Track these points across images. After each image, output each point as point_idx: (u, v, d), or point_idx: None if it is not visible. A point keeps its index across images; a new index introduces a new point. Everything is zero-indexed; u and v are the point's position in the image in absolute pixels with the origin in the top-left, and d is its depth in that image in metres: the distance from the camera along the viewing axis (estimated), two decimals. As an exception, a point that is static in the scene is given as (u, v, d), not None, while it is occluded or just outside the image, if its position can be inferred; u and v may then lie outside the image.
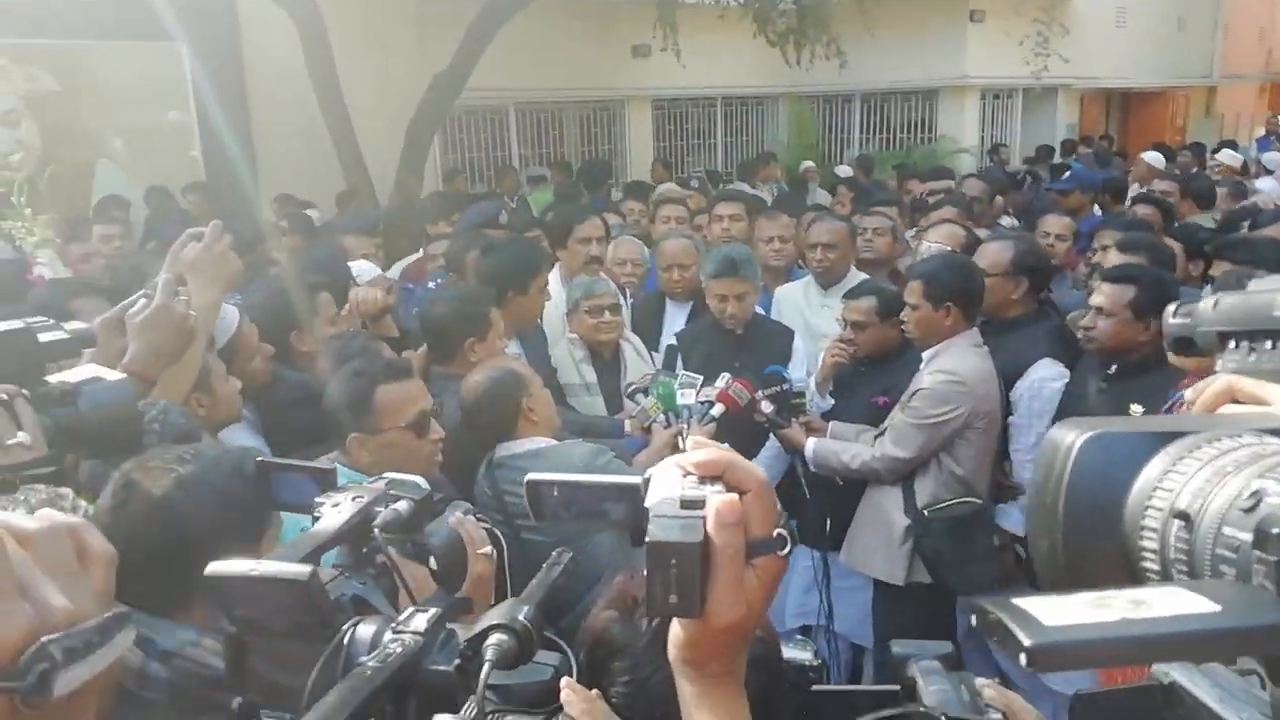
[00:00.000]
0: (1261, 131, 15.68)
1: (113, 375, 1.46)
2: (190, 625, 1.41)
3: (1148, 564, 0.55)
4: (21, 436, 1.33)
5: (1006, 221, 6.09)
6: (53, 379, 1.44)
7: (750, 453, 3.49)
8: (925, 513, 3.15)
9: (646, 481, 0.81)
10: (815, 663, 1.34)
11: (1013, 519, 3.42)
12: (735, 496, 0.74)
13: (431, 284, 4.58)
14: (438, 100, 8.26)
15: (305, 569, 0.86)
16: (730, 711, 0.79)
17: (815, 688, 1.27)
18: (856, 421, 3.51)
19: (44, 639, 0.56)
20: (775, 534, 0.76)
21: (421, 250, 5.26)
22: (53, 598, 0.58)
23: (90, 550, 0.64)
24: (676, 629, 0.78)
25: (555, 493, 0.84)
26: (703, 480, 0.76)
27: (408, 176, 8.16)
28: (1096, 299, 3.16)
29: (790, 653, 1.32)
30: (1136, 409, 3.08)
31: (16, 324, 1.51)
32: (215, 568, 0.86)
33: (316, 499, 1.30)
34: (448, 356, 3.00)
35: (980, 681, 1.21)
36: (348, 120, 8.05)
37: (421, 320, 3.13)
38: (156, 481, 1.43)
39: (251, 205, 8.41)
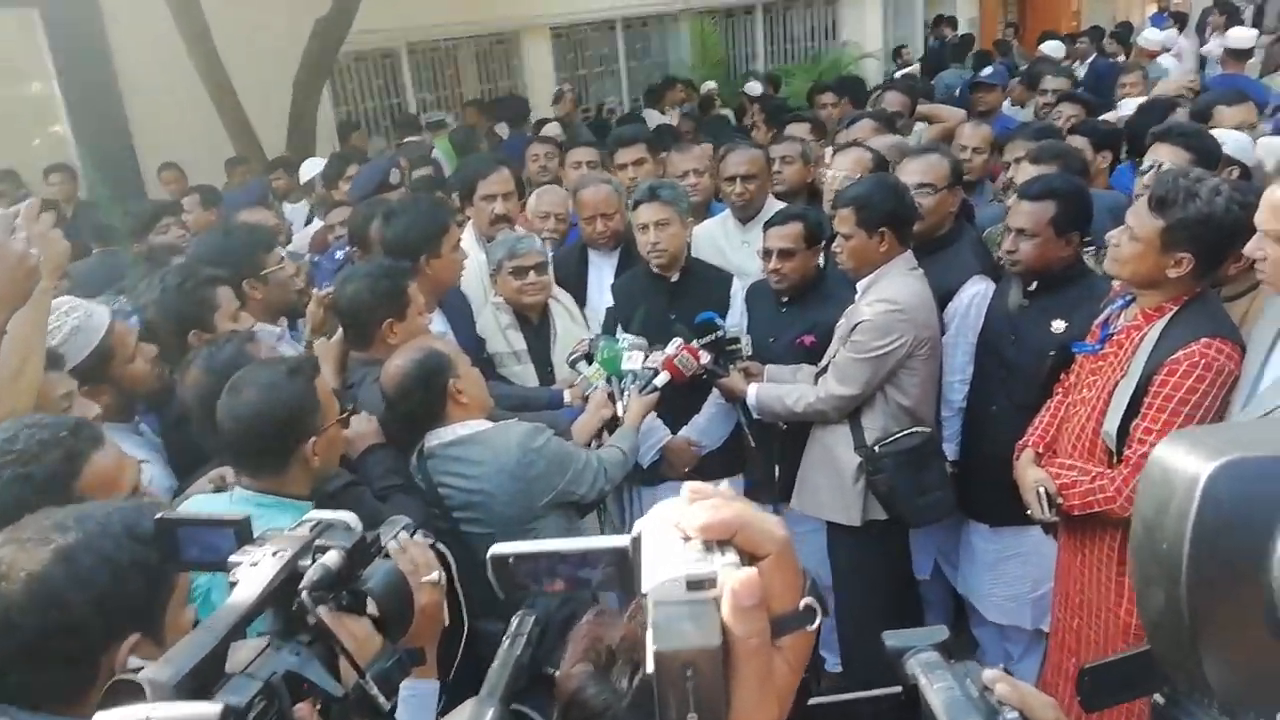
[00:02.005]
0: (1154, 8, 15.86)
1: None
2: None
3: None
4: None
5: (919, 127, 5.98)
6: None
7: (694, 407, 3.39)
8: (876, 448, 3.09)
9: (636, 541, 0.67)
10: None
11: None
12: (753, 572, 0.60)
13: (339, 254, 4.31)
14: (322, 47, 7.77)
15: (215, 710, 0.70)
16: None
17: (812, 701, 1.16)
18: (783, 364, 3.43)
19: None
20: (803, 605, 0.62)
21: (318, 219, 4.96)
22: None
23: None
24: None
25: (522, 565, 0.70)
26: (709, 545, 0.62)
27: (299, 135, 7.71)
28: (1015, 219, 3.09)
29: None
30: (1058, 324, 3.06)
31: None
32: (100, 718, 0.70)
33: (231, 557, 1.14)
34: (365, 341, 2.79)
35: (989, 675, 1.12)
36: (227, 79, 7.53)
37: (336, 302, 2.90)
38: (32, 557, 1.24)
39: (135, 181, 7.90)
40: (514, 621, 0.90)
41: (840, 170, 3.78)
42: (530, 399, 3.21)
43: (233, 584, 1.10)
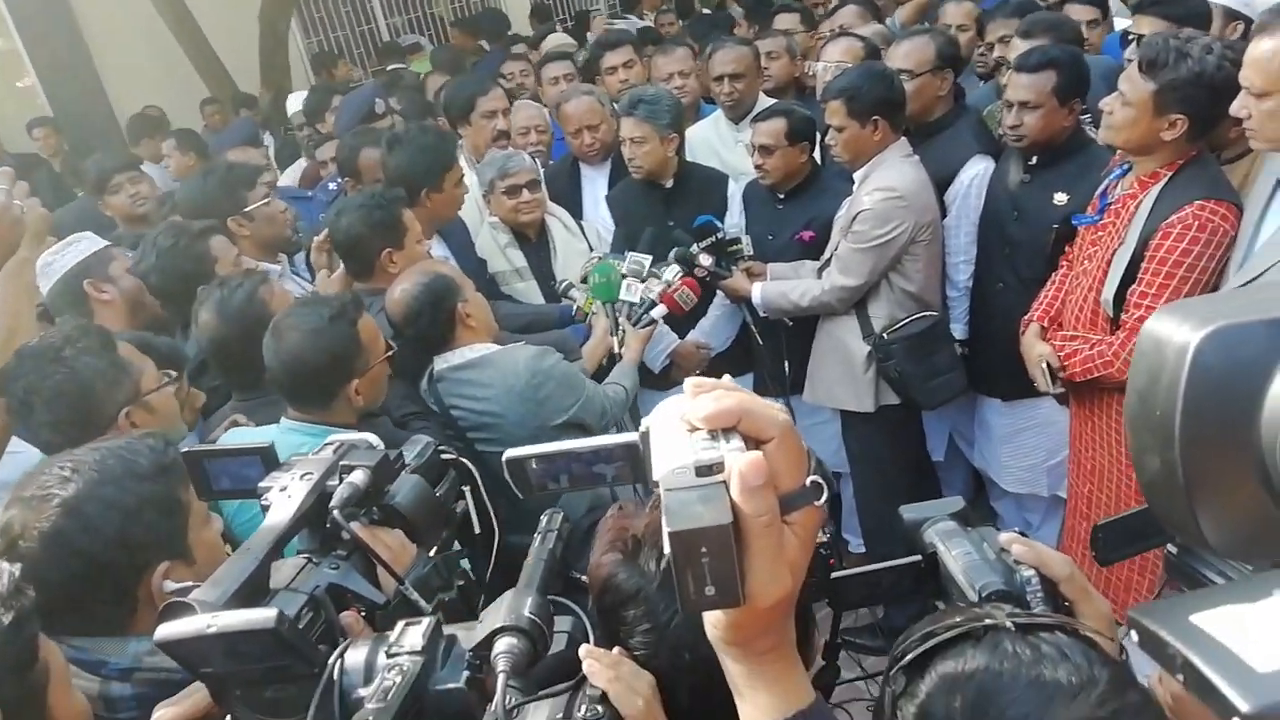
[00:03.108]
0: None
1: None
2: (141, 635, 1.30)
3: None
4: None
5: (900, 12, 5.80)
6: None
7: (700, 310, 3.39)
8: (884, 335, 3.11)
9: (644, 436, 0.69)
10: (825, 538, 1.28)
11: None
12: (758, 454, 0.62)
13: (331, 185, 4.27)
14: (287, -21, 7.57)
15: (270, 614, 0.73)
16: (788, 687, 0.71)
17: (835, 574, 1.20)
18: (785, 261, 3.42)
19: None
20: (809, 482, 0.65)
21: (304, 157, 4.89)
22: None
23: None
24: (711, 611, 0.69)
25: (537, 466, 0.72)
26: (714, 434, 0.64)
27: (272, 71, 7.56)
28: (1016, 93, 3.03)
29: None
30: (1060, 197, 3.05)
31: None
32: (164, 632, 0.74)
33: (261, 484, 1.17)
34: (366, 271, 2.79)
35: (1004, 537, 1.16)
36: (191, 18, 7.34)
37: (331, 235, 2.89)
38: (40, 514, 1.28)
39: (114, 130, 7.76)
40: (543, 519, 0.93)
41: (831, 60, 3.70)
42: (539, 316, 3.21)
43: (265, 508, 1.13)
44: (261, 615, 0.73)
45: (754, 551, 0.61)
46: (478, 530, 1.77)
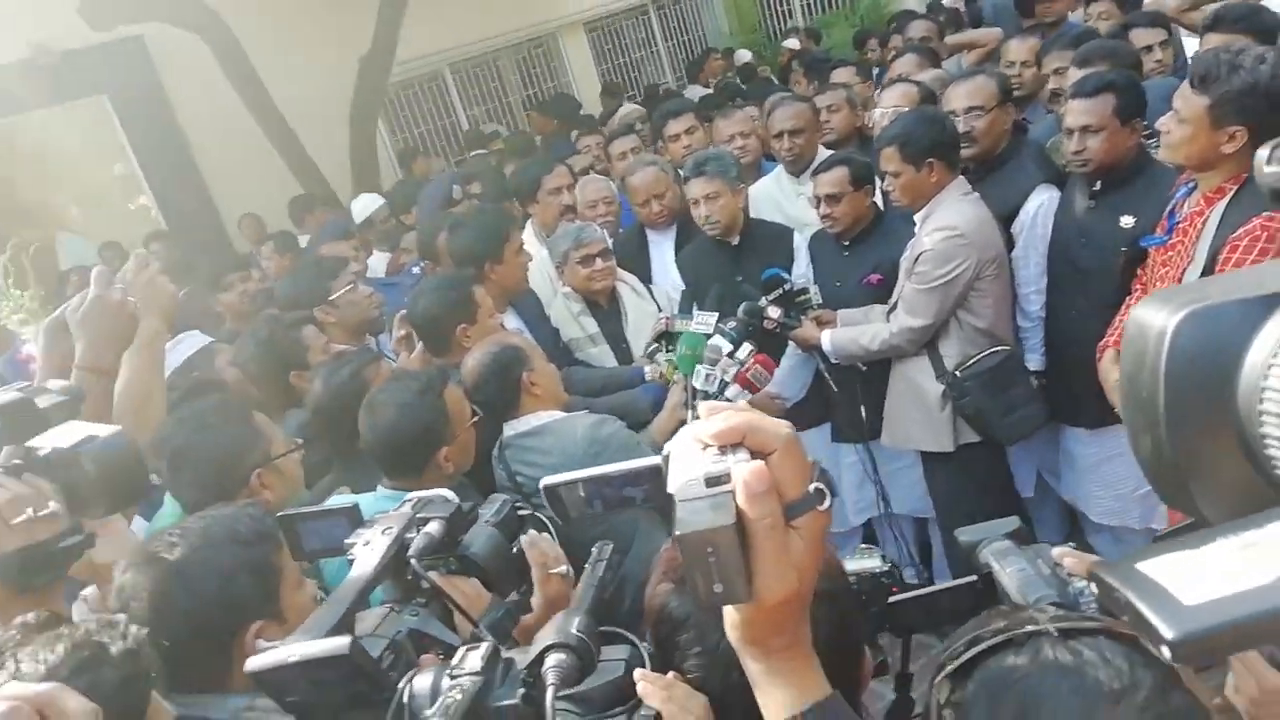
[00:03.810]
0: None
1: (103, 429, 1.44)
2: (238, 693, 1.40)
3: (1272, 451, 0.48)
4: (53, 506, 1.32)
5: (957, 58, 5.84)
6: (36, 443, 1.42)
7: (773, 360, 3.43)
8: (957, 373, 3.10)
9: (666, 459, 0.76)
10: (885, 568, 1.31)
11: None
12: (760, 463, 0.69)
13: (414, 269, 4.50)
14: (371, 82, 8.06)
15: (344, 641, 0.82)
16: (803, 682, 0.75)
17: (893, 598, 1.23)
18: (854, 307, 3.45)
19: None
20: (812, 489, 0.71)
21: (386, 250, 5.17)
22: None
23: (67, 716, 0.59)
24: (730, 611, 0.74)
25: (573, 492, 0.80)
26: (724, 450, 0.71)
27: (362, 169, 8.01)
28: (1076, 119, 3.04)
29: (856, 565, 1.28)
30: (1127, 220, 3.02)
31: (12, 393, 1.49)
32: (254, 663, 0.83)
33: (346, 540, 1.27)
34: (443, 348, 2.93)
35: (1057, 551, 1.17)
36: (286, 126, 7.87)
37: (409, 317, 3.07)
38: (149, 578, 1.41)
39: (222, 237, 8.32)
40: (595, 550, 1.00)
41: (888, 106, 3.77)
42: (614, 377, 3.31)
43: (350, 562, 1.22)
44: (336, 643, 0.81)
45: (760, 553, 0.67)
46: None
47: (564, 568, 1.67)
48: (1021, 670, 0.81)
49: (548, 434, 2.60)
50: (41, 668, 0.85)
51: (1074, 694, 0.78)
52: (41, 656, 0.89)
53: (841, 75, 5.12)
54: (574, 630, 0.82)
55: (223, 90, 7.72)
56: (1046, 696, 0.78)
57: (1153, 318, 0.54)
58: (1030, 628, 0.84)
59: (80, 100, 8.39)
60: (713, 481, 0.69)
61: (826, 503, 0.70)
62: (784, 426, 0.73)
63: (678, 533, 0.66)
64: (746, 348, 3.06)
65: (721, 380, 3.02)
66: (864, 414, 3.42)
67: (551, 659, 0.80)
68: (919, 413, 3.22)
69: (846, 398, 3.45)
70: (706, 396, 3.03)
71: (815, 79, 5.99)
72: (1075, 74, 3.55)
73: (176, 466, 2.06)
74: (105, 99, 8.49)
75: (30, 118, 8.35)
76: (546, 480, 0.78)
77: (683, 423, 3.05)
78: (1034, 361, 3.33)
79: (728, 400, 3.02)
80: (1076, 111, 3.05)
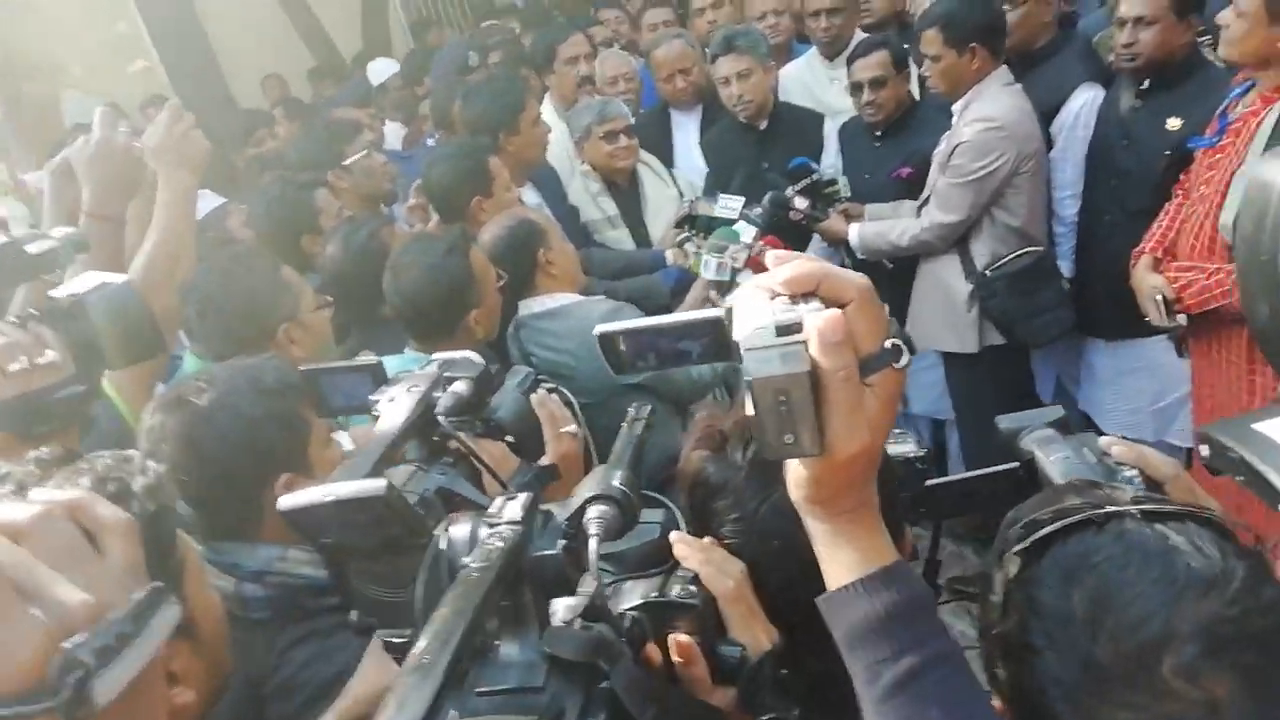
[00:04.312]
0: None
1: (116, 278, 1.40)
2: (269, 542, 1.39)
3: None
4: (51, 355, 1.29)
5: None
6: (56, 292, 1.39)
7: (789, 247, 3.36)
8: (987, 273, 3.03)
9: (729, 311, 0.71)
10: (920, 453, 1.28)
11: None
12: (837, 311, 0.64)
13: (429, 141, 4.38)
14: (384, -52, 7.75)
15: (380, 483, 0.79)
16: (870, 545, 0.72)
17: (930, 481, 1.20)
18: (884, 200, 3.35)
19: (67, 644, 0.48)
20: (889, 344, 0.66)
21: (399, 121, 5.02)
22: (65, 594, 0.50)
23: (103, 524, 0.56)
24: (796, 468, 0.70)
25: (627, 343, 0.75)
26: (795, 299, 0.66)
27: (374, 38, 7.76)
28: (1130, 9, 2.88)
29: (892, 449, 1.25)
30: (1174, 122, 2.90)
31: (1, 237, 1.44)
32: (287, 501, 0.80)
33: (371, 397, 1.24)
34: (458, 220, 2.85)
35: (1105, 440, 1.13)
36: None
37: (424, 187, 2.98)
38: (177, 421, 1.38)
39: (227, 101, 8.11)
40: (631, 410, 0.96)
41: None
42: (632, 261, 3.24)
43: (375, 418, 1.19)
44: (373, 484, 0.79)
45: (832, 405, 0.63)
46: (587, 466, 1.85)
47: (573, 426, 1.67)
48: (1103, 551, 0.75)
49: (563, 317, 2.55)
50: None
51: (1159, 582, 0.72)
52: (65, 490, 0.86)
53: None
54: (615, 483, 0.79)
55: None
56: (1129, 582, 0.73)
57: (1275, 175, 0.48)
58: (1111, 508, 0.78)
59: (82, -49, 8.07)
60: (784, 330, 0.64)
61: (904, 360, 0.66)
62: (861, 277, 0.68)
63: (747, 379, 0.61)
64: (752, 230, 2.99)
65: (733, 268, 2.96)
66: (887, 310, 3.35)
67: (593, 510, 0.77)
68: (945, 312, 3.16)
69: (869, 292, 3.38)
70: (719, 287, 2.98)
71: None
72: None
73: (203, 314, 2.03)
74: (109, -49, 8.16)
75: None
76: (601, 327, 0.74)
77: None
78: (1065, 268, 3.25)
79: (737, 286, 2.96)
80: (1130, 1, 2.90)
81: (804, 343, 0.63)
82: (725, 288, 2.94)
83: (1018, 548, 0.80)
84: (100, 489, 0.82)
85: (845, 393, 0.63)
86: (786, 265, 0.68)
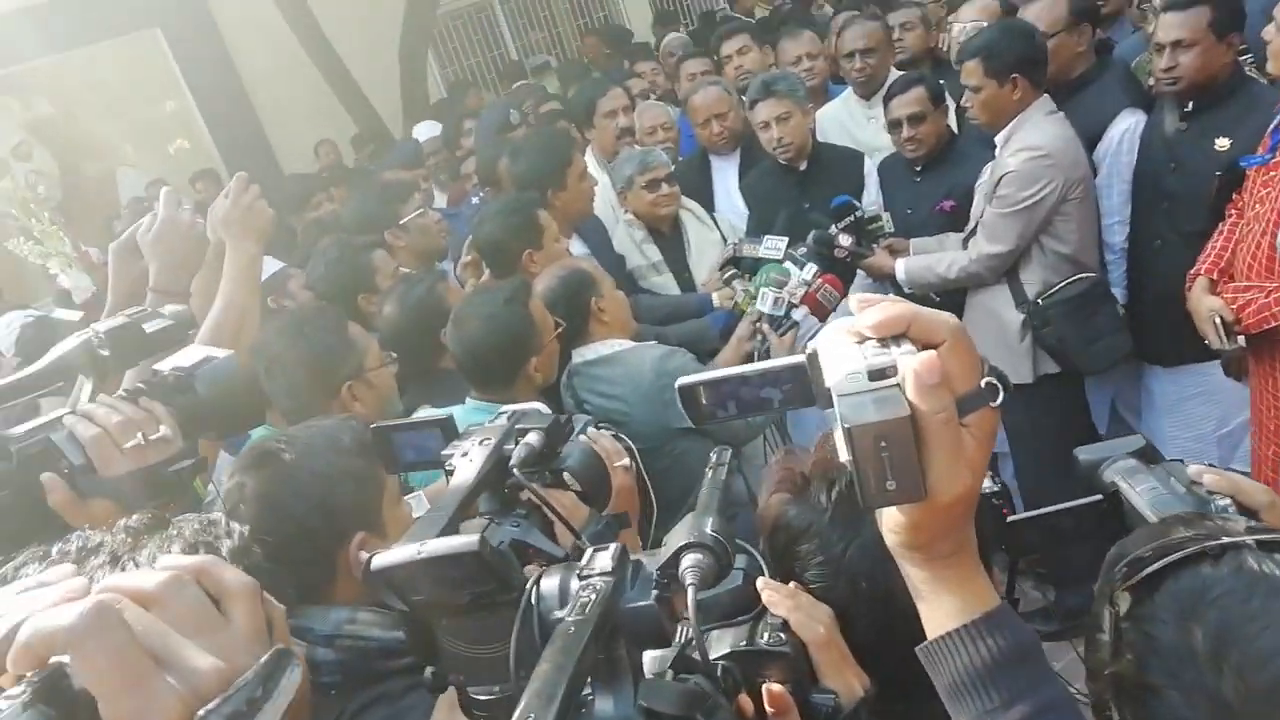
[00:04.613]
0: None
1: (220, 352, 1.43)
2: (340, 606, 1.40)
3: None
4: (164, 430, 1.31)
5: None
6: (161, 366, 1.41)
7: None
8: (1039, 301, 2.99)
9: (812, 357, 0.71)
10: (996, 488, 1.25)
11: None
12: (932, 354, 0.63)
13: (474, 200, 4.46)
14: (419, 15, 7.95)
15: (475, 539, 0.79)
16: (972, 590, 0.70)
17: (1011, 517, 1.18)
18: (927, 235, 3.34)
19: (201, 712, 0.49)
20: (984, 384, 0.65)
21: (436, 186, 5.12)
22: (197, 660, 0.51)
23: (228, 589, 0.57)
24: (893, 514, 0.69)
25: (708, 393, 0.75)
26: (884, 342, 0.66)
27: (413, 103, 7.95)
28: (1168, 33, 2.87)
29: (967, 486, 1.23)
30: (1222, 142, 2.87)
31: (120, 319, 1.48)
32: (380, 560, 0.80)
33: (443, 452, 1.25)
34: (510, 274, 2.89)
35: (1194, 469, 1.11)
36: (340, 62, 7.83)
37: (475, 243, 3.03)
38: (259, 480, 1.41)
39: (275, 172, 8.35)
40: (713, 455, 0.96)
41: (967, 21, 3.60)
42: (679, 306, 3.25)
43: (449, 474, 1.20)
44: (466, 540, 0.79)
45: (933, 448, 0.62)
46: (642, 508, 1.85)
47: (625, 460, 1.67)
48: (1222, 584, 0.72)
49: (616, 363, 2.56)
50: None
51: None
52: (160, 558, 0.87)
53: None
54: (708, 530, 0.78)
55: (274, 23, 7.68)
56: (1253, 615, 0.70)
57: None
58: (1226, 539, 0.75)
59: (133, 34, 8.39)
60: (876, 375, 0.63)
61: (999, 399, 0.65)
62: (951, 317, 0.67)
63: (846, 426, 0.60)
64: (811, 268, 2.97)
65: (789, 303, 2.95)
66: (937, 345, 3.33)
67: (688, 559, 0.76)
68: (997, 343, 3.12)
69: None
70: (774, 321, 2.96)
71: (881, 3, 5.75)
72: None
73: (270, 372, 2.07)
74: (159, 32, 8.48)
75: (85, 52, 8.38)
76: (683, 380, 0.74)
77: (749, 355, 3.01)
78: (1117, 295, 3.20)
79: (793, 322, 2.94)
80: (1168, 25, 2.89)
81: (898, 386, 0.63)
82: (778, 322, 2.94)
83: (1128, 583, 0.77)
84: (191, 554, 0.84)
85: (945, 435, 0.62)
86: (874, 308, 0.67)
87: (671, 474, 2.53)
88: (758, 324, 2.94)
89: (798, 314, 2.95)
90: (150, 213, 1.90)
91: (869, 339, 0.67)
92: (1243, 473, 3.04)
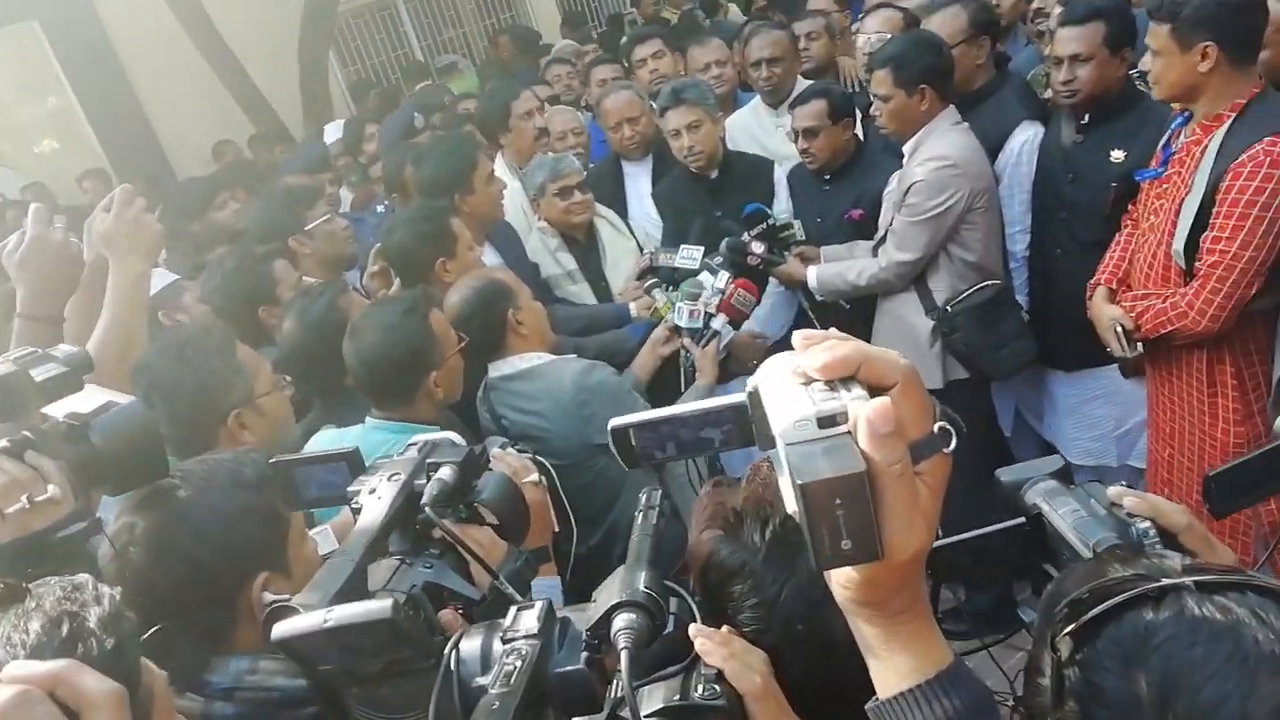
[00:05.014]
0: None
1: (121, 398, 1.30)
2: (240, 654, 1.31)
3: None
4: (52, 491, 1.18)
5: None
6: (54, 409, 1.28)
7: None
8: (948, 308, 3.04)
9: (753, 395, 0.67)
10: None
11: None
12: (885, 400, 0.59)
13: (379, 208, 4.33)
14: (319, 11, 7.69)
15: (385, 605, 0.73)
16: (926, 647, 0.68)
17: (936, 543, 1.16)
18: (836, 243, 3.37)
19: None
20: (936, 429, 0.62)
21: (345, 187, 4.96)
22: None
23: (87, 699, 0.50)
24: (844, 570, 0.65)
25: (641, 435, 0.70)
26: (832, 384, 0.61)
27: (313, 103, 7.69)
28: (1065, 47, 2.95)
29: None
30: (1117, 154, 2.96)
31: (6, 366, 1.34)
32: (280, 630, 0.73)
33: (349, 488, 1.18)
34: (421, 283, 2.80)
35: (1113, 491, 1.11)
36: (234, 59, 7.52)
37: (384, 253, 2.92)
38: (152, 519, 1.30)
39: (166, 172, 7.97)
40: (643, 497, 0.91)
41: (871, 32, 3.65)
42: (596, 317, 3.20)
43: (355, 512, 1.13)
44: (377, 605, 0.72)
45: (888, 502, 0.59)
46: (556, 528, 1.79)
47: (534, 475, 1.62)
48: (1164, 630, 0.71)
49: (535, 378, 2.50)
50: (21, 654, 0.72)
51: (1230, 661, 0.68)
52: (16, 639, 0.75)
53: (819, 2, 4.97)
54: (641, 587, 0.74)
55: (162, 16, 7.32)
56: (1198, 663, 0.68)
57: None
58: (1166, 580, 0.74)
59: (8, 26, 7.92)
60: (827, 421, 0.59)
61: (952, 444, 0.62)
62: (901, 358, 0.64)
63: (799, 483, 0.56)
64: (724, 275, 2.97)
65: (706, 313, 2.94)
66: (848, 351, 3.36)
67: (620, 619, 0.71)
68: (907, 349, 3.09)
69: (830, 335, 3.38)
70: (693, 334, 2.94)
71: (781, 12, 5.80)
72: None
73: (150, 401, 1.92)
74: (36, 25, 8.02)
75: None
76: (615, 421, 0.69)
77: (663, 359, 2.98)
78: (1020, 302, 3.28)
79: (713, 331, 2.93)
80: (1065, 40, 2.97)
81: (849, 434, 0.59)
82: (699, 335, 2.92)
83: (1069, 628, 0.75)
84: (54, 633, 0.74)
85: (901, 489, 0.59)
86: (821, 348, 0.63)
87: (593, 490, 2.49)
88: (675, 334, 2.93)
89: (717, 323, 2.94)
90: (18, 230, 1.74)
91: (815, 381, 0.63)
92: (1138, 470, 3.16)
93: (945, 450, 0.62)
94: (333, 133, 5.71)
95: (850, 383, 0.62)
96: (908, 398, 0.61)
